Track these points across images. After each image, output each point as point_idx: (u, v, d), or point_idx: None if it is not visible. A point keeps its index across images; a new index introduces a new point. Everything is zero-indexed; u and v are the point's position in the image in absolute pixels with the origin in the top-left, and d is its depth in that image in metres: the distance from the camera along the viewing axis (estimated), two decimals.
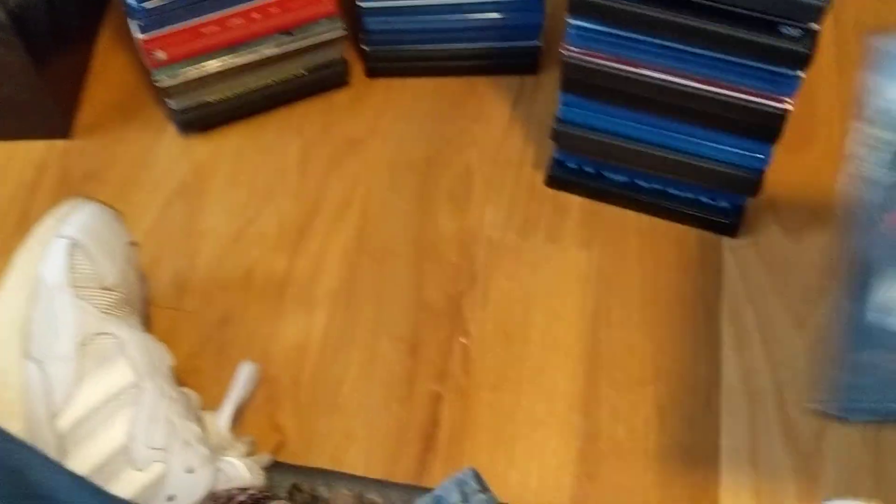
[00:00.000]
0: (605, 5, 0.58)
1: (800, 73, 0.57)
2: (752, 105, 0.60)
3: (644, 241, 0.70)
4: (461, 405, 0.62)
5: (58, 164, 0.74)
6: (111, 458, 0.50)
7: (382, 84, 0.79)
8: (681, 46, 0.59)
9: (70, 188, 0.73)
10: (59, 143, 0.75)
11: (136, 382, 0.52)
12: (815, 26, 0.55)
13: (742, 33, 0.56)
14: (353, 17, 0.75)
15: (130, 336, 0.54)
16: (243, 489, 0.52)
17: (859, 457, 0.60)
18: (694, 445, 0.61)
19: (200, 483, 0.51)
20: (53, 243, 0.53)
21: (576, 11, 0.59)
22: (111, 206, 0.59)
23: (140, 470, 0.50)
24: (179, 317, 0.66)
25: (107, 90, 0.79)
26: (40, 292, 0.52)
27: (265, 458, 0.58)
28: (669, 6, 0.57)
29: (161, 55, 0.69)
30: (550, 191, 0.73)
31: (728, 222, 0.70)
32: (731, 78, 0.59)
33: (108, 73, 0.80)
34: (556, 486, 0.59)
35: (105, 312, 0.54)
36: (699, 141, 0.65)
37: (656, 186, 0.71)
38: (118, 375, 0.52)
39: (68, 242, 0.54)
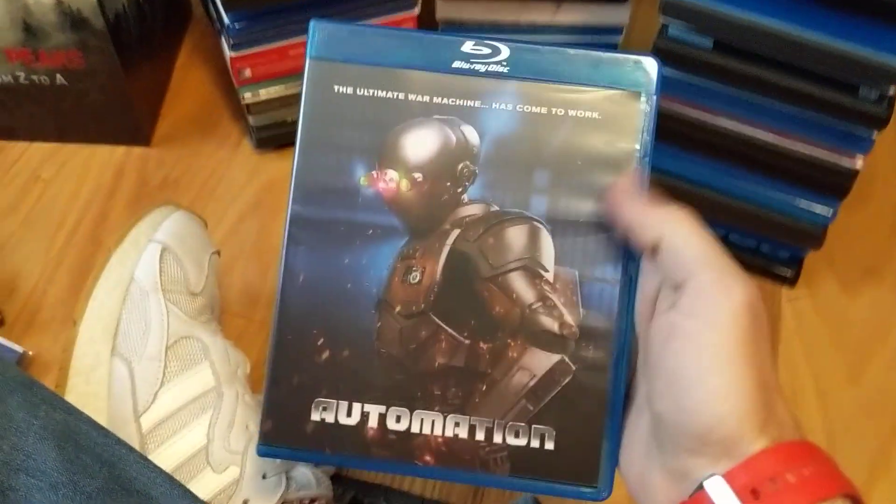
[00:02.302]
0: (688, 55, 0.60)
1: (874, 134, 0.59)
2: (824, 161, 0.62)
3: None
4: None
5: (136, 170, 0.77)
6: (190, 459, 0.52)
7: None
8: (759, 99, 0.60)
9: (147, 194, 0.75)
10: (138, 150, 0.78)
11: (216, 387, 0.54)
12: (893, 90, 0.57)
13: (821, 92, 0.58)
14: None
15: (213, 341, 0.56)
16: (313, 499, 0.53)
17: None
18: None
19: (274, 489, 0.52)
20: (147, 247, 0.55)
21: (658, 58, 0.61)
22: (199, 216, 0.61)
23: (217, 472, 0.52)
24: (250, 326, 0.68)
25: (185, 103, 0.82)
26: (132, 293, 0.54)
27: (329, 469, 0.59)
28: (751, 60, 0.59)
29: (247, 73, 0.71)
30: None
31: (787, 273, 0.71)
32: (806, 133, 0.61)
33: (186, 87, 0.83)
34: None
35: (191, 317, 0.56)
36: (767, 192, 0.66)
37: (718, 232, 0.72)
38: (201, 379, 0.54)
39: (161, 247, 0.55)
